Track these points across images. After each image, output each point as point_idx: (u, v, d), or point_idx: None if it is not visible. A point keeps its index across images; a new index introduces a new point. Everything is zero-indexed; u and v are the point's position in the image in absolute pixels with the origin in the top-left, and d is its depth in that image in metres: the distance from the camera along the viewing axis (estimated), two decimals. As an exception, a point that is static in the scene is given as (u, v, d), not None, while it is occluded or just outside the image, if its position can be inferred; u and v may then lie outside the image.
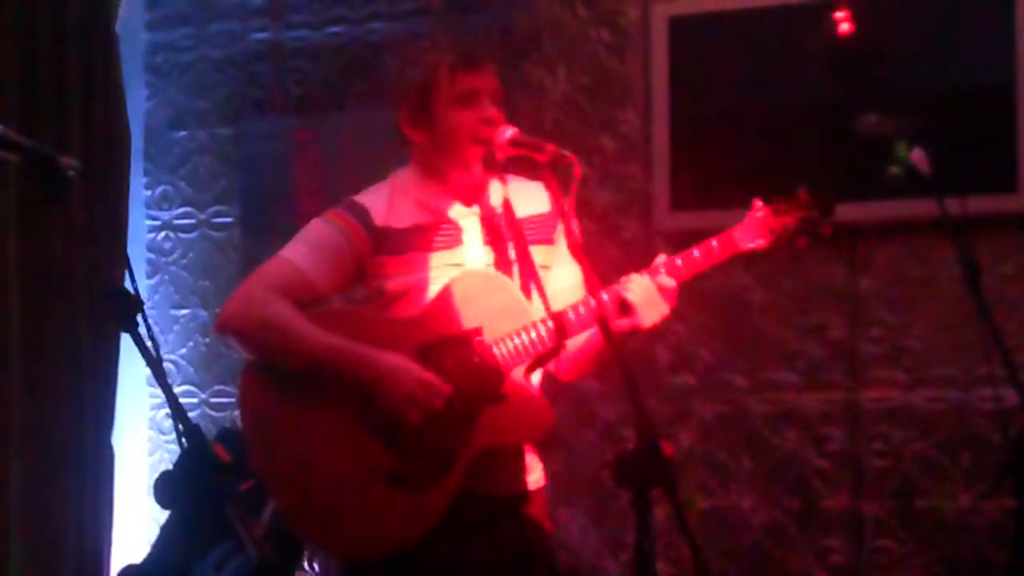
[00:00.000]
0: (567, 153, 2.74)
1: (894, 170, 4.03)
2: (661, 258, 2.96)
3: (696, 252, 2.95)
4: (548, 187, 2.77)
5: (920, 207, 3.37)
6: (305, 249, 2.96)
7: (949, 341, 4.13)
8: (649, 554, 2.34)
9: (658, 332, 3.02)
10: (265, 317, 2.88)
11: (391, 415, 2.82)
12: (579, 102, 4.57)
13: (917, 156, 3.26)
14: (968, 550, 4.09)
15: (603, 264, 2.77)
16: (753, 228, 3.00)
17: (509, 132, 2.87)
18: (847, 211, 4.13)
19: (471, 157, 2.95)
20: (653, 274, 2.92)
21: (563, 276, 3.04)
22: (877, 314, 4.23)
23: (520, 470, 2.99)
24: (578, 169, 2.69)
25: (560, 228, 3.06)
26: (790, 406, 4.31)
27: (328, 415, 2.87)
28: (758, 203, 3.01)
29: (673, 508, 2.35)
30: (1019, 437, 3.04)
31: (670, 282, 2.91)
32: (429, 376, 2.83)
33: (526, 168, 2.88)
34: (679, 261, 2.95)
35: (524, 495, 3.00)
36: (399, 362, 2.84)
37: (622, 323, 2.86)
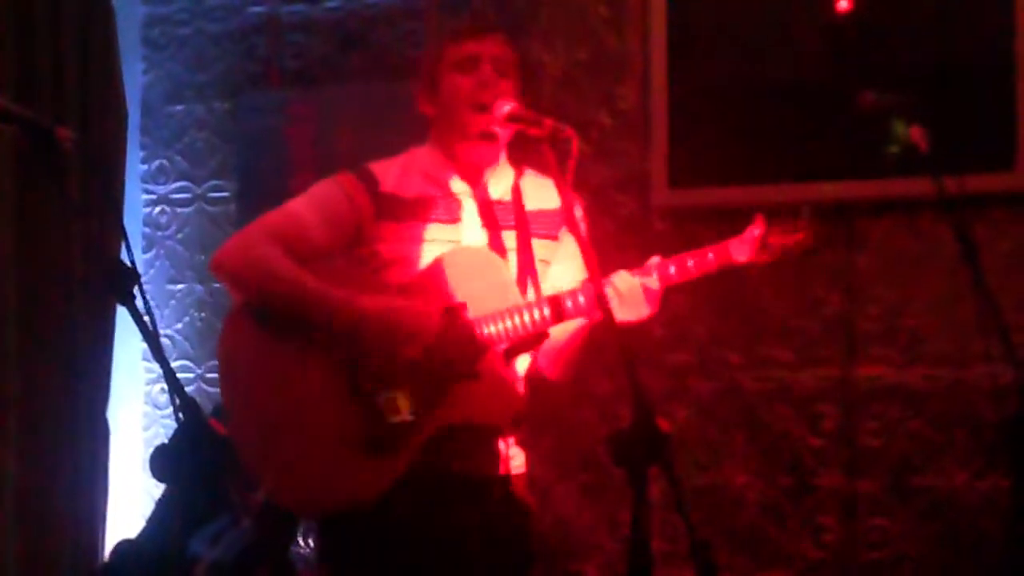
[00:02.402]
0: (565, 128, 2.74)
1: (892, 148, 4.03)
2: (655, 260, 2.96)
3: (690, 262, 2.95)
4: (546, 161, 2.76)
5: (917, 185, 3.36)
6: (307, 204, 3.00)
7: (945, 319, 4.13)
8: (645, 531, 2.34)
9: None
10: (256, 256, 2.92)
11: (376, 356, 2.83)
12: (577, 78, 4.56)
13: (915, 133, 3.25)
14: (962, 528, 4.09)
15: (600, 240, 2.76)
16: (749, 243, 2.99)
17: (507, 107, 2.88)
18: (844, 188, 4.16)
19: (469, 124, 2.96)
20: (644, 274, 2.92)
21: (562, 275, 3.05)
22: (873, 292, 4.23)
23: (495, 455, 2.98)
24: (576, 144, 2.69)
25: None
26: (785, 383, 4.31)
27: (302, 368, 2.89)
28: (759, 220, 3.00)
29: (669, 485, 2.35)
30: (1014, 415, 3.04)
31: (655, 284, 2.92)
32: (419, 306, 2.84)
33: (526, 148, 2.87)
34: (672, 268, 2.95)
35: (500, 479, 2.99)
36: (386, 301, 2.87)
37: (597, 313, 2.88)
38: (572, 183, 2.65)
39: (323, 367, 2.89)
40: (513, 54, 3.05)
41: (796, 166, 4.20)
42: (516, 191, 3.06)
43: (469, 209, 3.02)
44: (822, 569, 4.25)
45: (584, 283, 2.92)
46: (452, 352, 2.87)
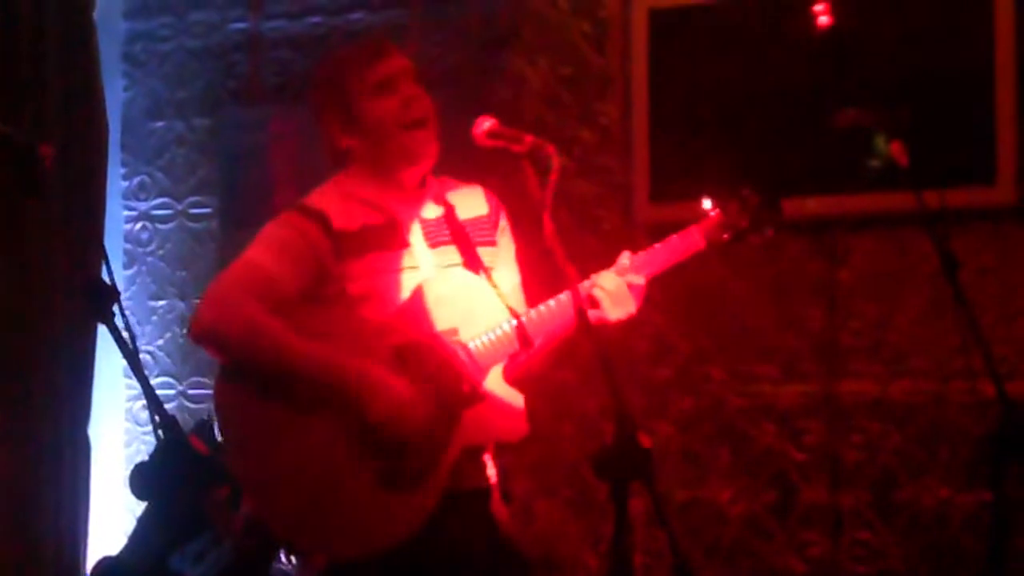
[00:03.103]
0: (546, 144, 2.74)
1: (873, 163, 4.04)
2: (625, 255, 2.98)
3: (657, 246, 3.00)
4: (526, 177, 2.75)
5: (898, 200, 3.37)
6: (269, 253, 2.92)
7: (927, 334, 4.14)
8: (627, 546, 2.34)
9: (635, 324, 3.02)
10: (247, 322, 2.84)
11: (375, 427, 2.81)
12: (559, 93, 4.57)
13: (895, 149, 3.26)
14: (945, 542, 4.09)
15: (581, 256, 2.76)
16: (710, 227, 3.08)
17: (487, 123, 2.87)
18: (826, 203, 4.17)
19: (409, 144, 2.95)
20: (621, 272, 2.93)
21: (504, 279, 3.05)
22: (855, 307, 4.23)
23: (481, 465, 2.98)
24: (557, 160, 2.69)
25: (501, 228, 3.10)
26: (768, 399, 4.31)
27: (309, 418, 2.83)
28: (705, 206, 3.08)
29: (651, 500, 2.35)
30: (996, 430, 3.05)
31: (639, 279, 2.93)
32: (409, 395, 2.82)
33: (503, 161, 2.87)
34: (643, 255, 2.99)
35: (487, 489, 2.99)
36: (382, 377, 2.82)
37: (591, 314, 2.87)
38: (553, 199, 2.65)
39: (324, 418, 2.83)
40: (411, 64, 3.03)
41: (777, 181, 4.20)
42: (447, 205, 3.05)
43: (415, 232, 3.00)
44: (806, 584, 4.26)
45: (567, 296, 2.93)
46: (455, 381, 2.86)
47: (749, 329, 4.33)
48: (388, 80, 2.98)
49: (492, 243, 3.08)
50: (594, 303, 2.87)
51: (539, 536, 4.44)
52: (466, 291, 2.95)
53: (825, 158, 4.14)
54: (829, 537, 4.23)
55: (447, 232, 3.02)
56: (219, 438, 2.96)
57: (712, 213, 3.08)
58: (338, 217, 2.95)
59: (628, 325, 2.92)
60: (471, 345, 2.89)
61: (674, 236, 3.05)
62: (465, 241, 3.01)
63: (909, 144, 3.25)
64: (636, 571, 4.02)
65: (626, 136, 4.45)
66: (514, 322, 2.91)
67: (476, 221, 3.07)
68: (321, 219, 2.94)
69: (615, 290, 2.89)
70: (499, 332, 2.90)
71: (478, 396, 2.87)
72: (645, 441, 2.31)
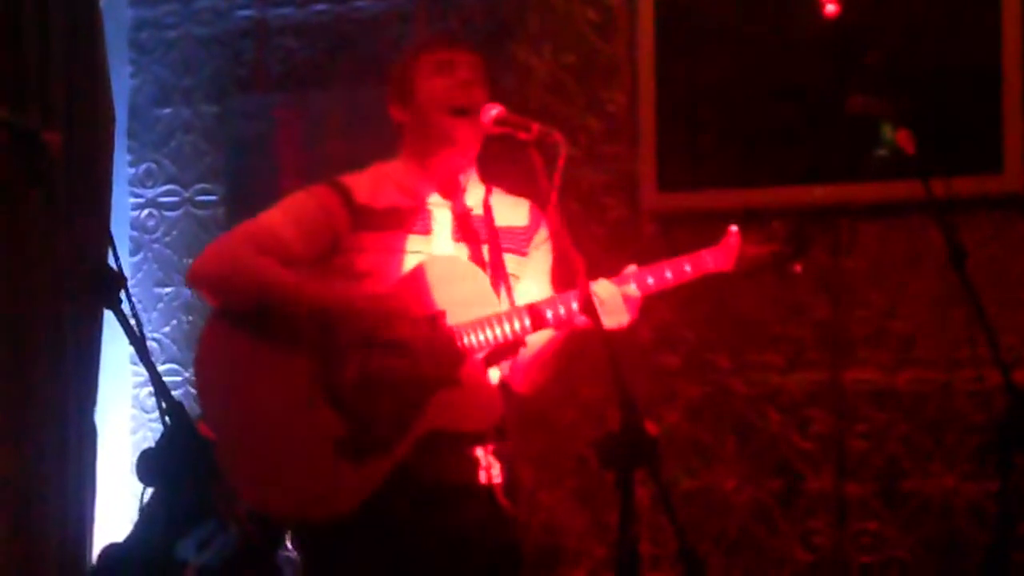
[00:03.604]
0: (553, 132, 2.74)
1: (880, 151, 4.04)
2: (631, 268, 2.97)
3: (668, 273, 2.98)
4: (534, 165, 2.76)
5: (905, 188, 3.37)
6: (282, 215, 2.98)
7: (934, 322, 4.13)
8: (633, 535, 2.34)
9: (641, 312, 3.02)
10: (237, 256, 2.92)
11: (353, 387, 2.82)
12: (565, 81, 4.56)
13: (903, 137, 3.25)
14: (952, 531, 4.09)
15: (589, 245, 2.76)
16: (724, 253, 3.03)
17: (495, 111, 2.88)
18: (833, 191, 4.16)
19: (447, 128, 2.96)
20: (621, 283, 2.93)
21: (531, 290, 3.06)
22: (861, 295, 4.23)
23: (474, 463, 2.98)
24: (564, 148, 2.69)
25: (536, 243, 3.11)
26: (774, 387, 4.31)
27: (284, 376, 2.87)
28: (732, 229, 3.02)
29: (657, 489, 2.35)
30: (1002, 418, 3.05)
31: (636, 292, 2.93)
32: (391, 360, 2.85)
33: (512, 148, 2.87)
34: (650, 279, 2.97)
35: (479, 487, 2.99)
36: (376, 295, 2.88)
37: (580, 320, 2.89)
38: (560, 187, 2.65)
39: (300, 374, 2.87)
40: (483, 67, 3.05)
41: (784, 169, 4.20)
42: (487, 207, 3.07)
43: (442, 220, 3.01)
44: (812, 572, 4.25)
45: (563, 293, 2.93)
46: (432, 359, 2.87)
47: (755, 317, 4.32)
48: (448, 63, 3.00)
49: (522, 253, 3.10)
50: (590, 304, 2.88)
51: (544, 526, 4.45)
52: (464, 280, 2.96)
53: (832, 146, 4.13)
54: (834, 526, 4.23)
55: (477, 231, 3.03)
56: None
57: (732, 240, 3.02)
58: (365, 193, 2.99)
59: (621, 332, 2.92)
60: (458, 330, 2.90)
61: (684, 259, 3.02)
62: (495, 243, 3.03)
63: (916, 132, 3.25)
64: (642, 560, 4.03)
65: (633, 124, 4.45)
66: (509, 315, 2.92)
67: (511, 230, 3.09)
68: (343, 191, 2.99)
69: (608, 299, 2.90)
70: (488, 324, 2.91)
71: (453, 379, 2.88)
72: (651, 429, 2.32)
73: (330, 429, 2.84)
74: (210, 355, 2.95)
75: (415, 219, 2.99)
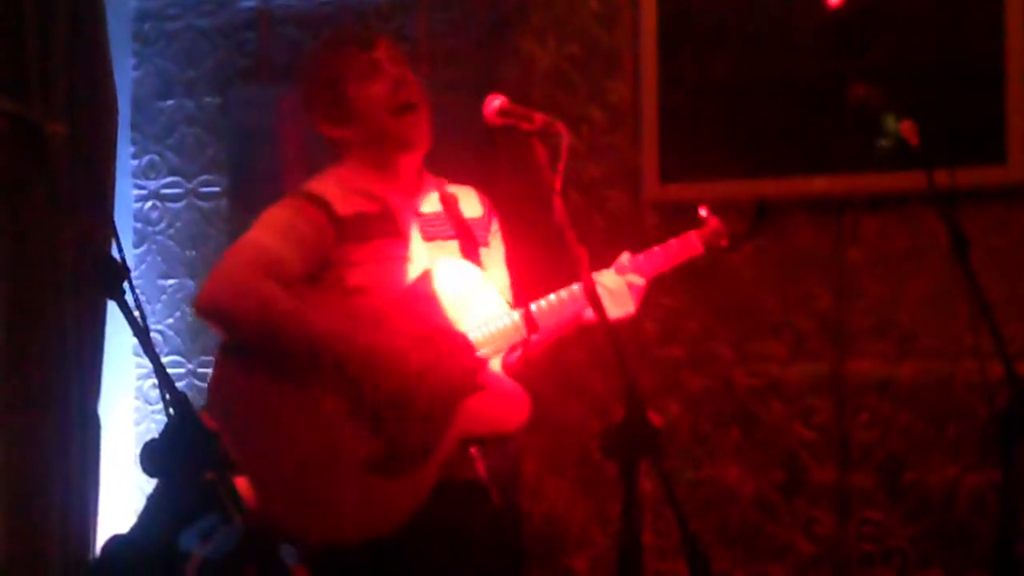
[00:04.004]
0: (556, 123, 2.74)
1: (883, 142, 4.03)
2: (625, 256, 2.99)
3: (656, 248, 3.03)
4: (537, 156, 2.75)
5: (908, 179, 3.37)
6: (272, 235, 2.92)
7: (937, 313, 4.13)
8: (636, 526, 2.35)
9: (644, 303, 3.03)
10: (259, 293, 2.84)
11: (380, 406, 2.80)
12: (568, 72, 4.56)
13: (906, 128, 3.25)
14: (954, 521, 4.10)
15: (590, 236, 2.77)
16: (708, 233, 3.18)
17: (497, 101, 2.87)
18: (835, 182, 4.16)
19: (401, 129, 2.95)
20: (621, 272, 2.95)
21: (495, 279, 3.06)
22: (864, 286, 4.23)
23: (471, 457, 2.99)
24: (567, 139, 2.69)
25: (493, 231, 3.14)
26: (776, 378, 4.31)
27: (309, 397, 2.83)
28: (706, 211, 3.18)
29: (660, 480, 2.36)
30: (1005, 409, 3.04)
31: (639, 280, 2.95)
32: (415, 378, 2.83)
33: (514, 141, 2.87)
34: (642, 258, 3.05)
35: (479, 480, 3.00)
36: (392, 355, 2.83)
37: (588, 314, 2.90)
38: (563, 178, 2.65)
39: (323, 400, 2.83)
40: (397, 46, 3.03)
41: (786, 160, 4.20)
42: (447, 200, 3.05)
43: (409, 223, 3.00)
44: (814, 563, 4.26)
45: (568, 287, 2.95)
46: (455, 369, 2.86)
47: (758, 308, 4.33)
48: (375, 65, 2.97)
49: (484, 243, 3.11)
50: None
51: (547, 516, 4.45)
52: (465, 282, 2.95)
53: (835, 137, 4.13)
54: (837, 517, 4.23)
55: (444, 227, 3.02)
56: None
57: (709, 220, 3.18)
58: (339, 203, 2.95)
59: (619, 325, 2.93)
60: (471, 335, 2.90)
61: (673, 240, 3.09)
62: (468, 236, 3.02)
63: (919, 123, 3.25)
64: (645, 550, 4.04)
65: (635, 115, 4.44)
66: (515, 315, 2.92)
67: (472, 221, 3.08)
68: (323, 205, 2.94)
69: (616, 289, 2.91)
70: (501, 324, 2.91)
71: (478, 385, 2.88)
72: (656, 420, 2.32)
73: (358, 450, 2.81)
74: (228, 385, 2.89)
75: (386, 224, 2.97)
